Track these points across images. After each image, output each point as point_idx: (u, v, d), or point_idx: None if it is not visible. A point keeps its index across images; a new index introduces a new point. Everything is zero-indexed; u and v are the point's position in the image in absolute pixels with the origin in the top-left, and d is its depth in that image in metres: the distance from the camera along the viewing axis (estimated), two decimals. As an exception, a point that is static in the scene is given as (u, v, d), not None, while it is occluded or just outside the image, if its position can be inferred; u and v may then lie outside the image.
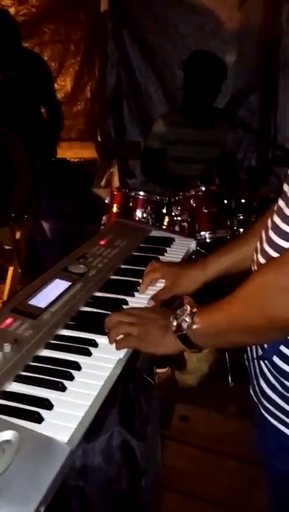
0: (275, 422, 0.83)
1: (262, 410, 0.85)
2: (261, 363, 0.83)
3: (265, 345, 0.80)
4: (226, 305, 0.78)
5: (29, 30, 3.61)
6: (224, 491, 1.72)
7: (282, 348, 0.78)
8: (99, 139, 3.69)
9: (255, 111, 3.28)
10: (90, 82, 3.79)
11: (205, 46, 3.08)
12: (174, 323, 0.82)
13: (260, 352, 0.83)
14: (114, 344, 0.88)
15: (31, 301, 0.99)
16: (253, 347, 0.86)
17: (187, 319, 0.81)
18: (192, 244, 1.41)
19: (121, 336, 0.88)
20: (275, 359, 0.79)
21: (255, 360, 0.86)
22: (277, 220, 0.79)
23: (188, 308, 0.82)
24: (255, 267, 0.86)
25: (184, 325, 0.81)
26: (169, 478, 1.54)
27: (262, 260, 0.83)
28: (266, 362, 0.81)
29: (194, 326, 0.80)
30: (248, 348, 0.89)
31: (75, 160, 3.97)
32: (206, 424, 2.04)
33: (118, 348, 0.87)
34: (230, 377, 2.21)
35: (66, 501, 0.75)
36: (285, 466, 0.85)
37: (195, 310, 0.82)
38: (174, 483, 1.67)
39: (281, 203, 0.80)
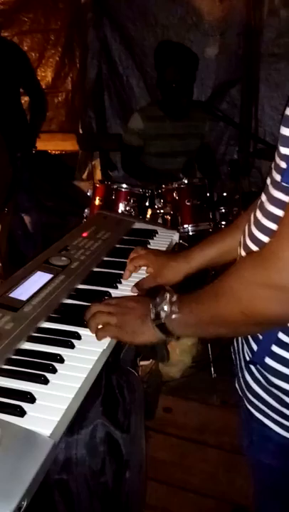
0: (259, 416, 0.83)
1: (246, 403, 0.85)
2: (246, 355, 0.83)
3: (255, 348, 0.80)
4: (205, 298, 0.78)
5: (8, 20, 3.53)
6: (207, 481, 1.74)
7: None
8: (80, 131, 3.65)
9: (236, 104, 3.28)
10: (70, 73, 3.74)
11: (186, 38, 3.07)
12: (153, 312, 0.82)
13: (246, 350, 0.82)
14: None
15: (12, 293, 0.98)
16: (241, 340, 0.86)
17: (166, 308, 0.80)
18: (175, 236, 1.41)
19: (101, 326, 0.88)
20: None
21: (242, 354, 0.85)
22: (258, 214, 0.79)
23: (168, 296, 0.82)
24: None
25: (163, 314, 0.81)
26: (152, 469, 1.55)
27: (244, 254, 0.82)
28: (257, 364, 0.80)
29: (173, 316, 0.80)
30: (235, 340, 0.89)
31: (56, 152, 3.93)
32: (190, 415, 2.06)
33: (98, 337, 0.87)
34: (212, 369, 2.23)
35: (50, 495, 0.74)
36: (268, 458, 0.86)
37: (174, 299, 0.81)
38: (157, 473, 1.68)
39: (263, 197, 0.80)
